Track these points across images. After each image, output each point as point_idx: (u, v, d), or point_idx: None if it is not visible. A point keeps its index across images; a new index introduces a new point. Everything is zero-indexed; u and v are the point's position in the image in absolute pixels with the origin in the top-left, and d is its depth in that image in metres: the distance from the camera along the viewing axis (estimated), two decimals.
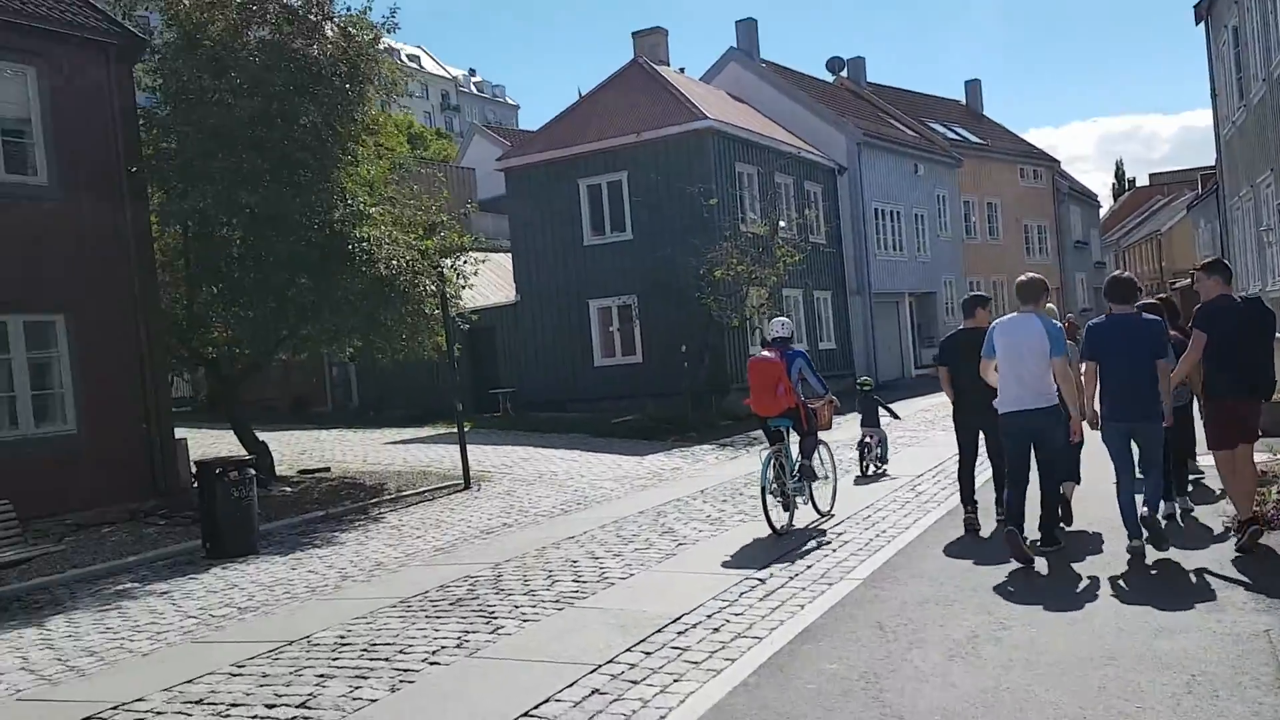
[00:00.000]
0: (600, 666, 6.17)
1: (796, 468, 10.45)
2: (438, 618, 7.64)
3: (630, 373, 25.85)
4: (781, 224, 26.14)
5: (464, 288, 16.63)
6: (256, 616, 8.47)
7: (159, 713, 5.97)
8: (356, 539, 12.08)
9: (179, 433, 23.09)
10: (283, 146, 13.95)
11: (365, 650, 6.91)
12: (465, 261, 16.39)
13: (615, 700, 5.57)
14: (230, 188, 13.15)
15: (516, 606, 7.79)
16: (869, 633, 6.37)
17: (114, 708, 6.09)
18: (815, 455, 10.67)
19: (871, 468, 13.55)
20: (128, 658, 7.41)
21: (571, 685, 5.88)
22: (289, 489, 15.21)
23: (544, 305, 27.16)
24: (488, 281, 32.59)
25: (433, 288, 14.91)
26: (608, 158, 26.26)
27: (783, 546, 9.27)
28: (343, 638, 7.31)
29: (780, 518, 9.98)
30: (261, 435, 25.36)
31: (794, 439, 10.72)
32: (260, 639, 7.47)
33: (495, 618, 7.50)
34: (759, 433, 21.56)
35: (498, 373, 27.88)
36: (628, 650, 6.47)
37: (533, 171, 27.38)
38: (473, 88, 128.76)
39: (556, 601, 7.86)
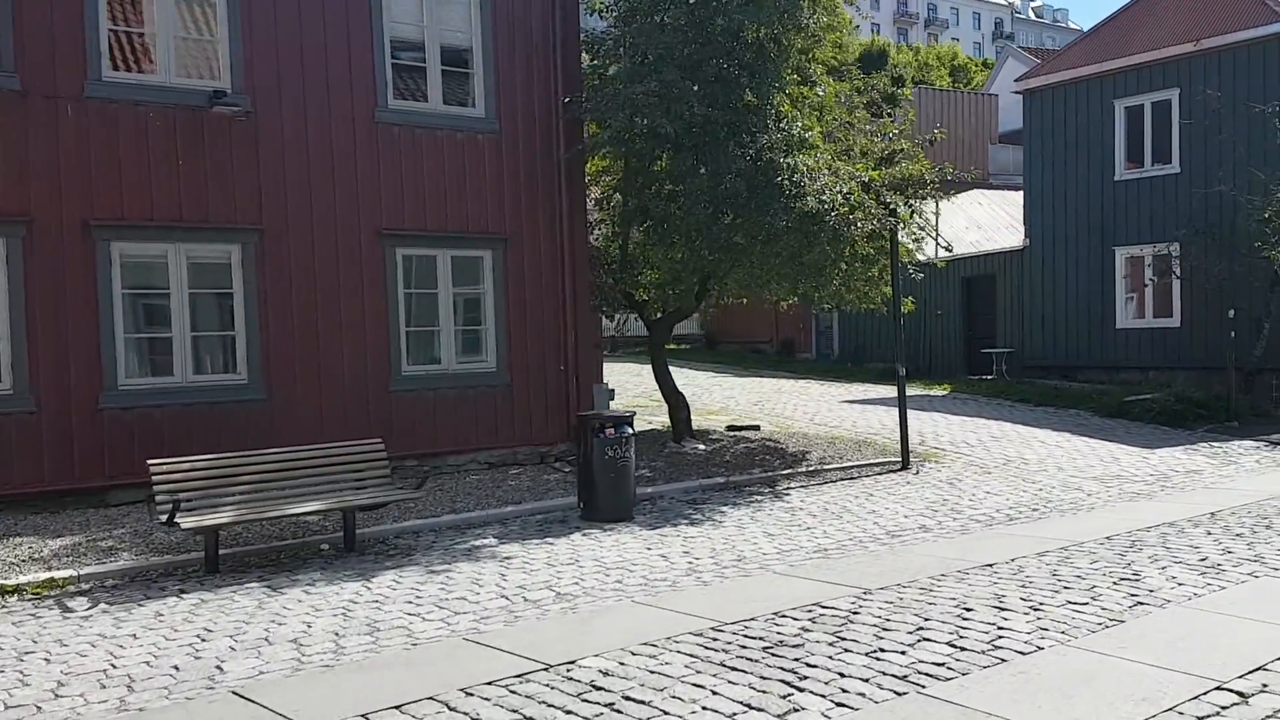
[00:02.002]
0: None
1: None
2: (729, 670, 5.61)
3: (1162, 339, 21.04)
4: None
5: (921, 229, 13.91)
6: (557, 613, 7.11)
7: None
8: (739, 519, 10.37)
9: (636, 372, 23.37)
10: (718, 66, 12.39)
11: (607, 709, 5.13)
12: (924, 198, 13.62)
13: None
14: (653, 114, 11.90)
15: (840, 675, 5.49)
16: None
17: None
18: None
19: None
20: (392, 648, 6.37)
21: None
22: (702, 447, 13.94)
23: (1058, 251, 23.06)
24: (998, 222, 28.91)
25: (871, 227, 12.47)
26: (1154, 72, 21.33)
27: None
28: (606, 674, 5.61)
29: None
30: (736, 380, 25.05)
31: None
32: (526, 653, 6.03)
33: (799, 690, 5.31)
34: None
35: (994, 329, 24.40)
36: None
37: (1057, 92, 23.19)
38: (1030, 13, 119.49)
39: (902, 679, 5.42)
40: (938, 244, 27.84)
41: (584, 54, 13.77)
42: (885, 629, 6.31)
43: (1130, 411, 17.44)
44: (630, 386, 23.57)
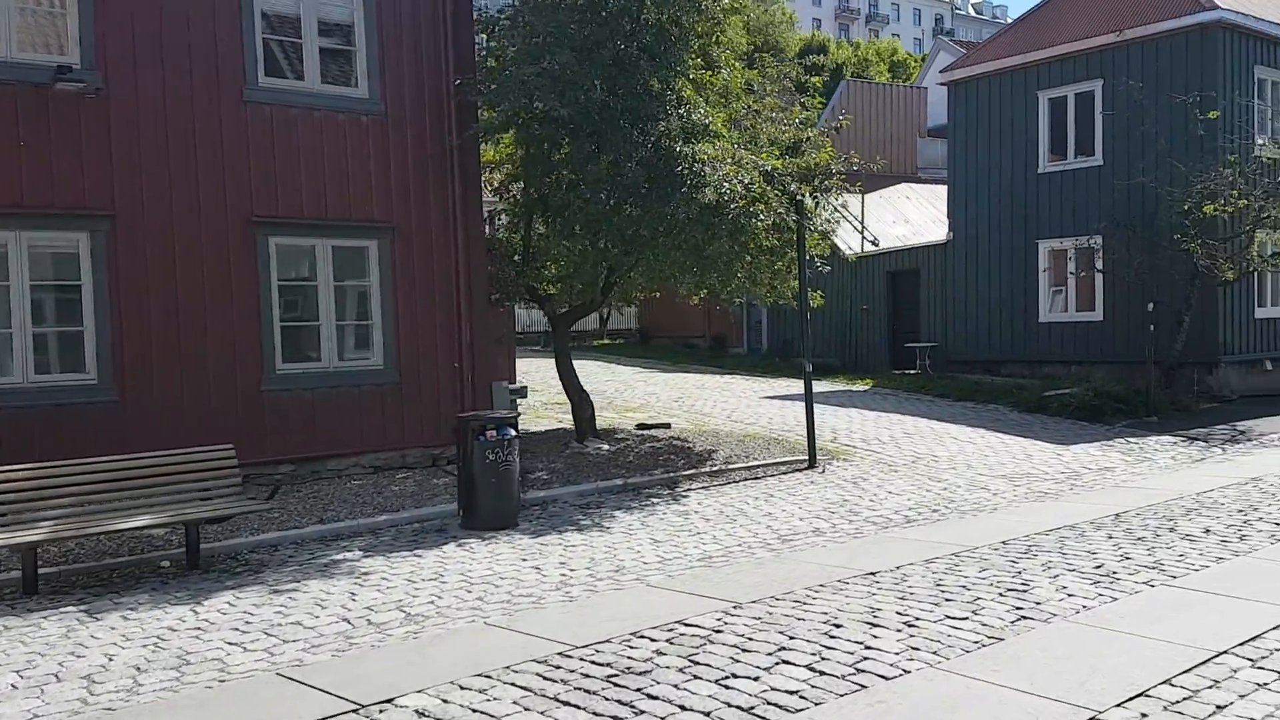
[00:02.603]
0: None
1: None
2: (561, 705, 5.03)
3: (1085, 333, 20.85)
4: None
5: (829, 221, 13.41)
6: (398, 639, 6.47)
7: None
8: (628, 525, 9.80)
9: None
10: (616, 49, 11.78)
11: None
12: (830, 189, 13.06)
13: None
14: (545, 98, 11.26)
15: (680, 709, 4.94)
16: None
17: None
18: None
19: None
20: (194, 686, 5.70)
21: None
22: (606, 447, 13.34)
23: (981, 245, 22.80)
24: (926, 216, 28.75)
25: (774, 218, 11.95)
26: (1077, 63, 21.10)
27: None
28: (421, 715, 5.00)
29: None
30: (663, 375, 24.45)
31: None
32: (342, 690, 5.36)
33: None
34: (1251, 424, 16.06)
35: (919, 324, 24.13)
36: None
37: (981, 84, 22.89)
38: (970, 9, 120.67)
39: (748, 711, 4.89)
40: (863, 237, 27.65)
41: (483, 34, 13.08)
42: (745, 650, 5.77)
43: (1048, 407, 17.17)
44: (555, 383, 22.87)
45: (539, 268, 13.52)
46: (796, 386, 21.65)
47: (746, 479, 12.24)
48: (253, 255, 11.10)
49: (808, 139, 13.12)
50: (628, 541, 9.12)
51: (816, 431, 15.42)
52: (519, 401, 19.26)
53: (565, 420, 16.08)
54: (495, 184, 14.08)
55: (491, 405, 13.11)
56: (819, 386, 22.23)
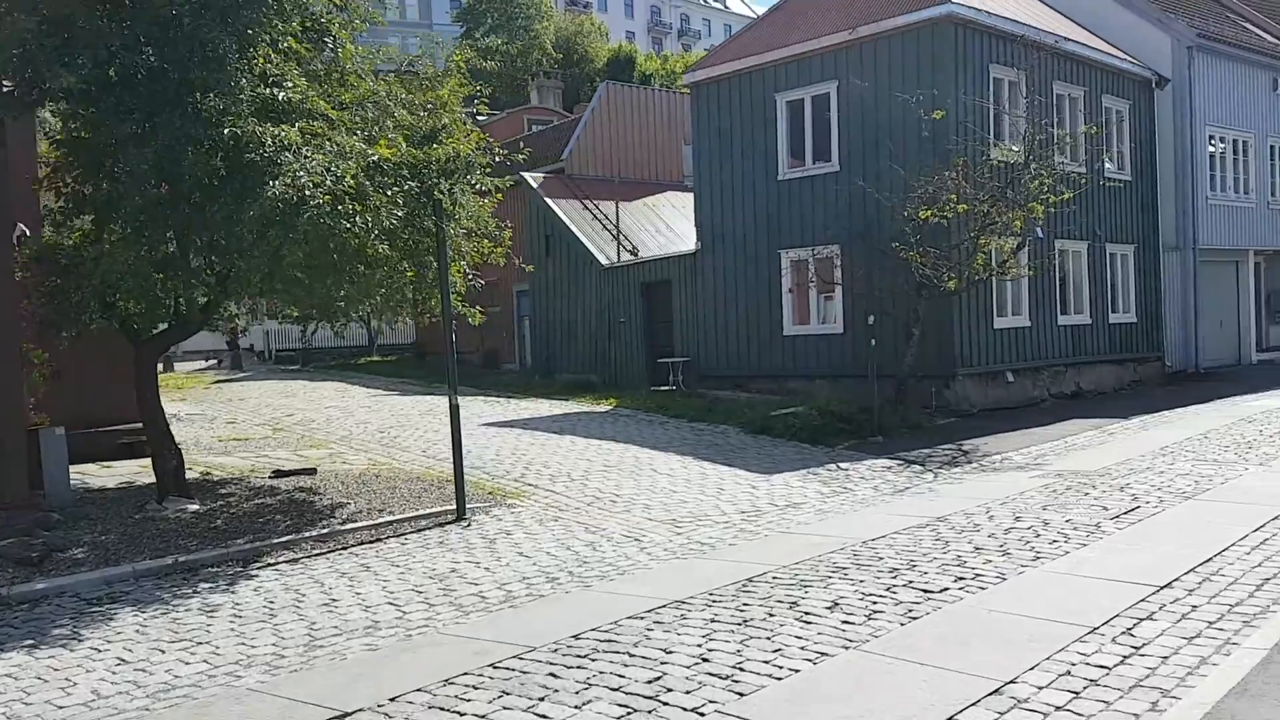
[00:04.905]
0: None
1: None
2: None
3: (827, 346, 19.53)
4: (1055, 145, 18.34)
5: (475, 223, 11.20)
6: None
7: None
8: (112, 635, 7.17)
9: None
10: (166, 1, 9.20)
11: None
12: (476, 187, 10.79)
13: None
14: (43, 59, 8.60)
15: None
16: None
17: None
18: None
19: None
20: None
21: None
22: (193, 508, 10.62)
23: (728, 255, 21.27)
24: (691, 225, 27.15)
25: (389, 223, 9.62)
26: (813, 64, 19.81)
27: None
28: None
29: None
30: (397, 400, 21.56)
31: None
32: None
33: None
34: (979, 441, 14.79)
35: (673, 338, 22.41)
36: None
37: (722, 86, 21.39)
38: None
39: None
40: (620, 246, 25.82)
41: None
42: None
43: (774, 428, 15.52)
44: (260, 413, 19.87)
45: (96, 281, 10.53)
46: (536, 409, 19.53)
47: (363, 542, 9.80)
48: None
49: (445, 126, 10.86)
50: (76, 669, 6.50)
51: (511, 466, 13.35)
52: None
53: (261, 461, 13.53)
54: (43, 176, 11.14)
55: (40, 462, 10.28)
56: (562, 408, 20.14)
